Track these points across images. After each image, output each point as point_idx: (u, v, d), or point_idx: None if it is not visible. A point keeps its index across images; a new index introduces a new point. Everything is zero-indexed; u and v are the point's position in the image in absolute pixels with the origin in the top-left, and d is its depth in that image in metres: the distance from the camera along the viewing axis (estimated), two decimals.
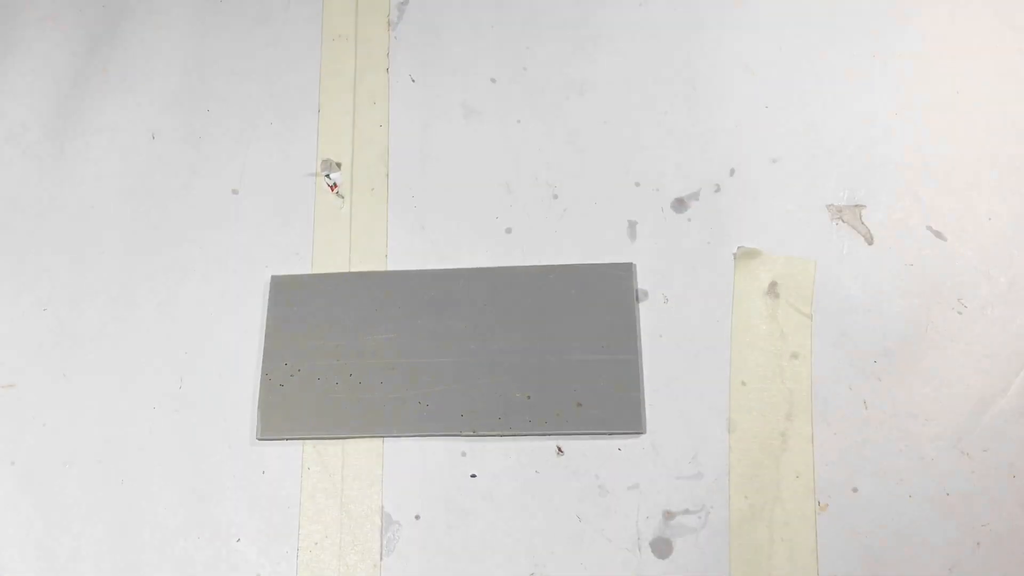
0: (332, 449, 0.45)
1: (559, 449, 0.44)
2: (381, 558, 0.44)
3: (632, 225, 0.49)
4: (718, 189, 0.50)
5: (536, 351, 0.46)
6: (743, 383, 0.45)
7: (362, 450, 0.45)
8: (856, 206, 0.48)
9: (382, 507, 0.44)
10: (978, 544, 0.41)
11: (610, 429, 0.44)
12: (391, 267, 0.49)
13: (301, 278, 0.49)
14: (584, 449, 0.44)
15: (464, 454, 0.45)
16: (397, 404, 0.45)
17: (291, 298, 0.48)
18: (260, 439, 0.45)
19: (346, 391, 0.46)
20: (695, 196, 0.50)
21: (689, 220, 0.49)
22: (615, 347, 0.45)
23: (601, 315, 0.46)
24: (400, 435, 0.45)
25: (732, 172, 0.50)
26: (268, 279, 0.49)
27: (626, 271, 0.47)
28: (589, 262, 0.48)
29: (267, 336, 0.47)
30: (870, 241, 0.48)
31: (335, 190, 0.51)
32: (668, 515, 0.43)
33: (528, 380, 0.45)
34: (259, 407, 0.46)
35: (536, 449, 0.45)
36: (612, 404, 0.44)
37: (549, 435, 0.44)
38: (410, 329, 0.47)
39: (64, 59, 0.56)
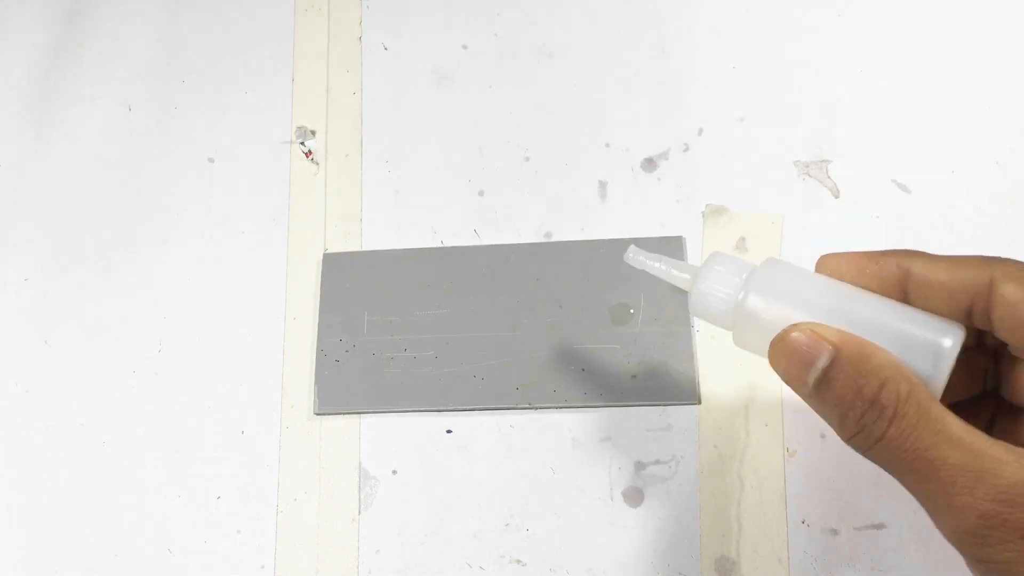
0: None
1: (530, 404, 0.45)
2: (359, 512, 0.44)
3: (603, 185, 0.50)
4: (687, 148, 0.50)
5: (588, 324, 0.46)
6: (712, 336, 0.46)
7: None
8: (822, 161, 0.49)
9: (359, 463, 0.45)
10: None
11: (665, 400, 0.44)
12: (365, 230, 0.50)
13: (353, 255, 0.49)
14: None
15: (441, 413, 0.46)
16: (453, 378, 0.45)
17: (343, 275, 0.48)
18: (318, 414, 0.46)
19: (401, 366, 0.46)
20: (664, 155, 0.50)
21: (659, 179, 0.50)
22: (667, 319, 0.46)
23: (653, 288, 0.46)
24: (456, 409, 0.45)
25: (700, 132, 0.51)
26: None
27: (676, 244, 0.48)
28: (561, 220, 0.49)
29: (321, 312, 0.48)
30: (836, 195, 0.48)
31: (310, 157, 0.52)
32: (639, 465, 0.44)
33: (581, 353, 0.45)
34: (316, 382, 0.46)
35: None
36: (666, 376, 0.45)
37: (603, 407, 0.45)
38: (462, 304, 0.47)
39: (41, 34, 0.57)
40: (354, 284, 0.48)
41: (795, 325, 0.31)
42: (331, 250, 0.49)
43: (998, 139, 0.49)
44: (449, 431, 0.45)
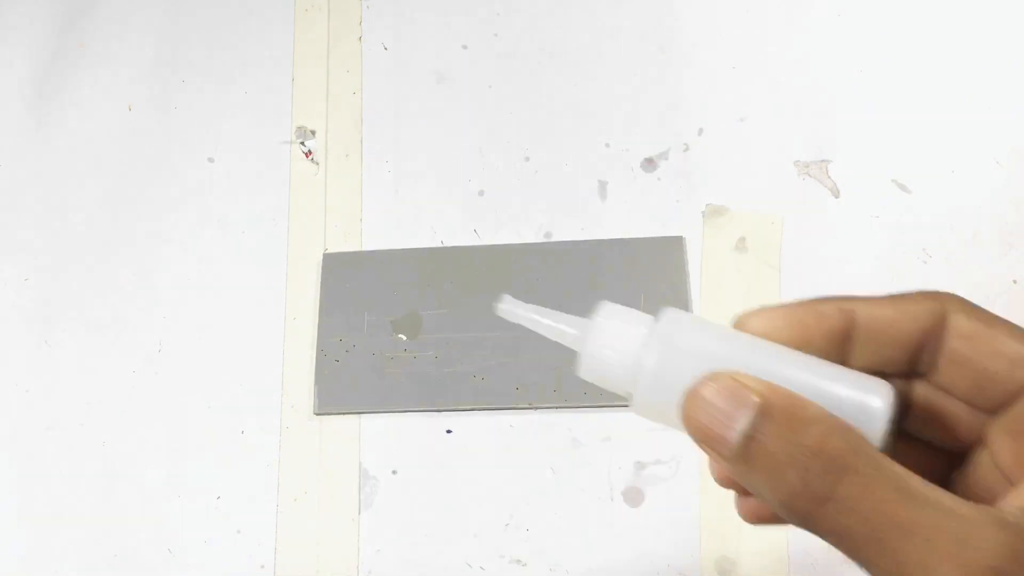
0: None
1: (530, 404, 0.45)
2: (359, 512, 0.44)
3: (603, 185, 0.50)
4: (687, 148, 0.50)
5: None
6: None
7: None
8: (822, 161, 0.49)
9: (359, 463, 0.45)
10: None
11: None
12: (365, 230, 0.50)
13: (353, 255, 0.49)
14: None
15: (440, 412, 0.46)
16: (453, 378, 0.45)
17: (343, 275, 0.48)
18: (318, 414, 0.46)
19: (400, 366, 0.46)
20: (664, 156, 0.50)
21: (659, 179, 0.50)
22: None
23: (653, 288, 0.46)
24: (457, 409, 0.45)
25: (700, 131, 0.51)
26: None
27: (677, 244, 0.48)
28: (561, 220, 0.49)
29: (321, 312, 0.48)
30: (836, 195, 0.48)
31: (310, 157, 0.52)
32: (640, 465, 0.44)
33: None
34: (316, 382, 0.46)
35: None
36: None
37: (604, 407, 0.45)
38: (462, 304, 0.47)
39: (41, 34, 0.57)
40: (354, 284, 0.48)
41: (713, 374, 0.25)
42: (331, 250, 0.49)
43: (998, 139, 0.49)
44: (449, 431, 0.45)
